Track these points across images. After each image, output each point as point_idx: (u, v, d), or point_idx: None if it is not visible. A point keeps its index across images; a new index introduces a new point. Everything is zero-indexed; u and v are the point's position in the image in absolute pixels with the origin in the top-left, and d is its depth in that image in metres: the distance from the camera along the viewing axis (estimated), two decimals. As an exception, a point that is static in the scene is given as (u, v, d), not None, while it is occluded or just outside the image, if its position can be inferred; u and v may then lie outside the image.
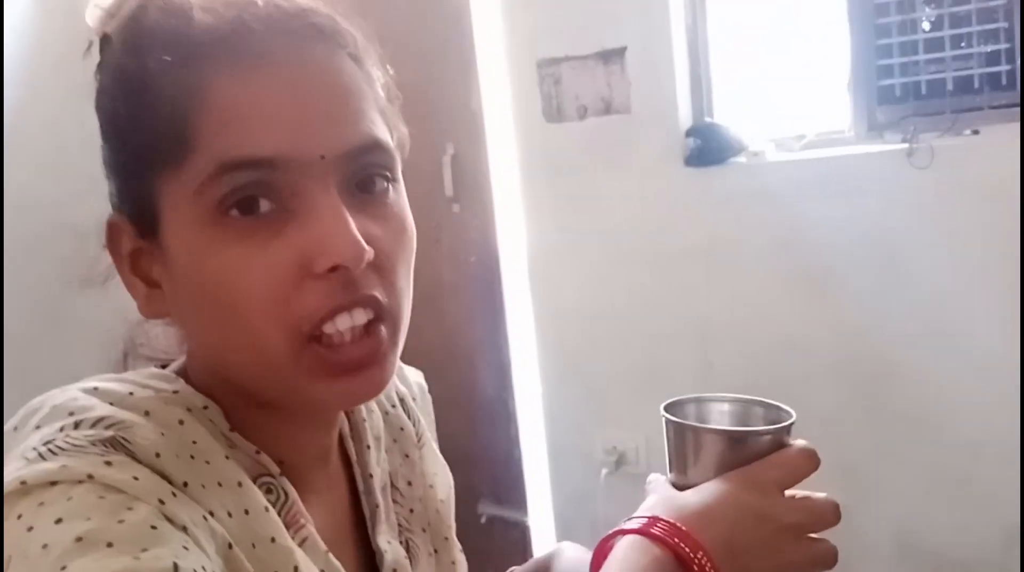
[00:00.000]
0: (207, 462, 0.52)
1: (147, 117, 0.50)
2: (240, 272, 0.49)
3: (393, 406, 0.72)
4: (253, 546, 0.51)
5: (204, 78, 0.49)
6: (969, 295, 1.80)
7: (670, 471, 0.62)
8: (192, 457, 0.51)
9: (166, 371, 0.58)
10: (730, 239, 2.04)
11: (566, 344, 2.27)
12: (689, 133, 2.07)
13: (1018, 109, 1.80)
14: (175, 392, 0.55)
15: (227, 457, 0.53)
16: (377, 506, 0.66)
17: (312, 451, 0.61)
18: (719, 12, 2.14)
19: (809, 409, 2.14)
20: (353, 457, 0.66)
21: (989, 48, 1.85)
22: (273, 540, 0.52)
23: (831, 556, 0.58)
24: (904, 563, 1.91)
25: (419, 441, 0.72)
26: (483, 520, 2.35)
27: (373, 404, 0.69)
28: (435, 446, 0.75)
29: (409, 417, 0.72)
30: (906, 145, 1.82)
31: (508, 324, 2.31)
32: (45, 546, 0.43)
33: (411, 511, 0.70)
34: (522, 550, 2.34)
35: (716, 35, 2.15)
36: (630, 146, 2.11)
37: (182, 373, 0.58)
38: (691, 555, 0.52)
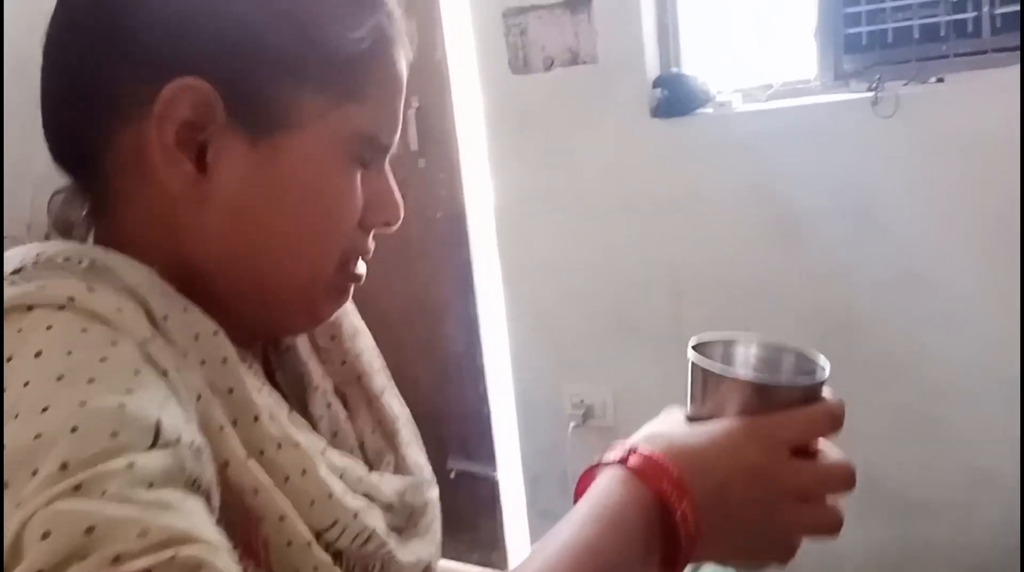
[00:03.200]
0: (183, 309, 0.50)
1: (333, 38, 0.53)
2: (346, 199, 0.55)
3: None
4: (230, 391, 0.50)
5: (385, 40, 0.56)
6: (936, 241, 1.82)
7: (688, 406, 0.57)
8: (167, 296, 0.50)
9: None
10: (698, 189, 2.03)
11: (534, 298, 2.26)
12: (656, 83, 2.04)
13: (984, 56, 1.80)
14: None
15: (187, 311, 0.51)
16: (302, 377, 0.64)
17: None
18: (686, -40, 2.11)
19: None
20: (276, 362, 0.66)
21: (956, -5, 1.85)
22: (245, 388, 0.51)
23: (835, 524, 0.54)
24: (871, 503, 1.94)
25: None
26: (452, 475, 2.36)
27: None
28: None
29: None
30: (871, 94, 1.82)
31: (476, 279, 2.30)
32: (26, 384, 0.41)
33: (342, 362, 0.68)
34: (491, 505, 2.35)
35: (683, -17, 2.12)
36: (597, 97, 2.08)
37: None
38: (675, 503, 0.48)
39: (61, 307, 0.44)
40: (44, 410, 0.39)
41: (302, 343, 0.66)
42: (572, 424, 2.22)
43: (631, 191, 2.09)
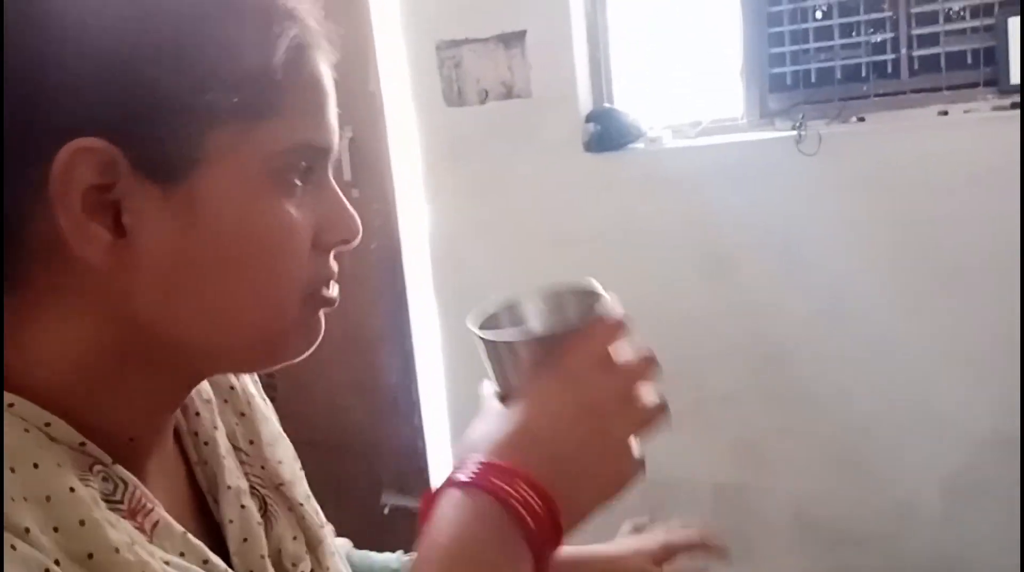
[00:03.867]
0: (17, 469, 0.45)
1: (231, 59, 0.47)
2: (288, 230, 0.50)
3: None
4: (91, 556, 0.45)
5: (300, 48, 0.50)
6: (860, 276, 1.87)
7: (495, 385, 0.57)
8: (7, 464, 0.45)
9: None
10: (630, 223, 2.06)
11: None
12: (589, 118, 2.08)
13: (903, 97, 1.88)
14: (11, 405, 0.47)
15: (36, 465, 0.46)
16: (215, 476, 0.60)
17: (162, 426, 0.56)
18: (618, -2, 2.15)
19: (710, 389, 2.20)
20: (184, 428, 0.61)
21: (877, 37, 1.92)
22: (117, 551, 0.46)
23: (660, 409, 0.55)
24: (803, 537, 1.98)
25: (248, 398, 0.66)
26: (386, 511, 2.33)
27: None
28: (264, 404, 0.68)
29: (235, 375, 0.66)
30: (795, 132, 1.87)
31: (411, 311, 2.28)
32: None
33: (262, 467, 0.64)
34: (427, 538, 2.32)
35: (615, 21, 2.16)
36: (531, 131, 2.10)
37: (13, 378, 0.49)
38: (510, 491, 0.48)
39: None
40: None
41: (221, 438, 0.61)
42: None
43: (564, 224, 2.11)
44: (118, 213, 0.46)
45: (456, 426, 2.32)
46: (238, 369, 0.60)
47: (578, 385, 0.53)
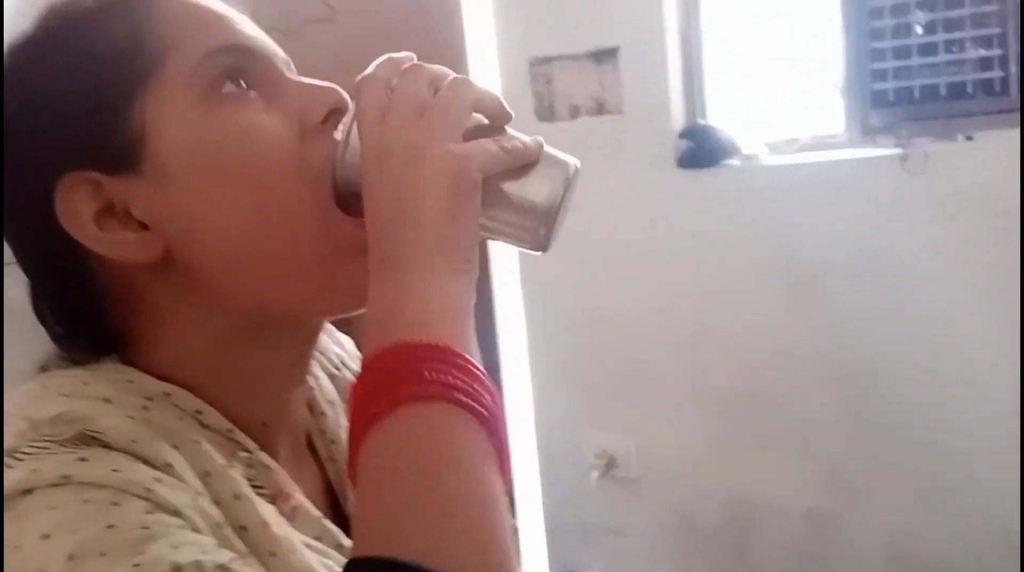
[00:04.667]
0: (181, 446, 0.49)
1: (103, 52, 0.50)
2: (255, 132, 0.50)
3: (337, 369, 0.70)
4: (244, 529, 0.49)
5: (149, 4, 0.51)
6: (962, 302, 1.79)
7: None
8: (168, 442, 0.49)
9: (110, 363, 0.54)
10: (722, 241, 2.02)
11: (557, 346, 2.25)
12: (682, 134, 2.05)
13: (1012, 115, 1.79)
14: (130, 381, 0.52)
15: (197, 442, 0.50)
16: (342, 472, 0.64)
17: (289, 409, 0.60)
18: (713, 13, 2.12)
19: (799, 415, 2.15)
20: (313, 426, 0.65)
21: (982, 53, 1.84)
22: (267, 526, 0.50)
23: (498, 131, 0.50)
24: (893, 570, 1.90)
25: None
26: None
27: (317, 370, 0.67)
28: None
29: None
30: (900, 150, 1.81)
31: (498, 326, 2.29)
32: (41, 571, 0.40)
33: None
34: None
35: (710, 36, 2.13)
36: (622, 147, 2.09)
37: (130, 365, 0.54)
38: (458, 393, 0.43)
39: (58, 484, 0.43)
40: None
41: (345, 437, 0.65)
42: (595, 474, 2.19)
43: (655, 242, 2.09)
44: (129, 214, 0.50)
45: (541, 441, 2.32)
46: (308, 310, 0.57)
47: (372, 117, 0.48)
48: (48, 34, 0.51)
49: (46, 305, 0.55)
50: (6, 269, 0.55)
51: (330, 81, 0.56)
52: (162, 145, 0.50)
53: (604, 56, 2.09)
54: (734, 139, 2.06)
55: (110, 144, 0.50)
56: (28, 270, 0.54)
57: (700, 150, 2.02)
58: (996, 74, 1.82)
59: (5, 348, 0.58)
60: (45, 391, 0.50)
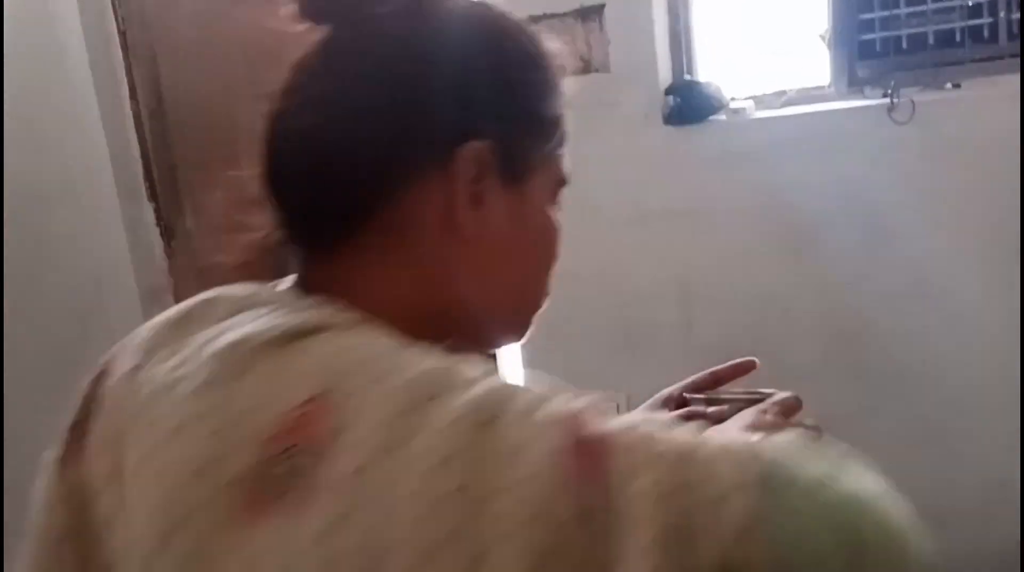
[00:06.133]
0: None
1: (552, 107, 0.64)
2: (557, 236, 0.65)
3: None
4: None
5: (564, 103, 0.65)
6: (949, 250, 1.80)
7: None
8: None
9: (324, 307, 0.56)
10: (710, 197, 2.02)
11: (545, 307, 2.25)
12: (669, 91, 2.04)
13: (1001, 62, 1.79)
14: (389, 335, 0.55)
15: None
16: None
17: None
18: (698, -34, 2.10)
19: (790, 366, 2.14)
20: None
21: (971, 1, 1.83)
22: None
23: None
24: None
25: None
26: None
27: None
28: None
29: None
30: (887, 100, 1.80)
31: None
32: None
33: None
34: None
35: (695, -10, 2.11)
36: (609, 105, 2.07)
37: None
38: None
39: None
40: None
41: None
42: (584, 432, 2.20)
43: (644, 199, 2.09)
44: (479, 199, 0.58)
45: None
46: (492, 344, 0.70)
47: None
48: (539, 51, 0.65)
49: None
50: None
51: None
52: (529, 194, 0.63)
53: (589, 14, 2.06)
54: (721, 94, 2.05)
55: (518, 155, 0.61)
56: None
57: (687, 106, 2.01)
58: (985, 20, 1.81)
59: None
60: (393, 357, 0.49)
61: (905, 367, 1.89)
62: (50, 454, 0.53)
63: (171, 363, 0.49)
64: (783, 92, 2.04)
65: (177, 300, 2.41)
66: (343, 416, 0.42)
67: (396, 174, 0.58)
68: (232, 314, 0.52)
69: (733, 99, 2.06)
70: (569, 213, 2.08)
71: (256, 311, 0.52)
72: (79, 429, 0.52)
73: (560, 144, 0.65)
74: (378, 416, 0.42)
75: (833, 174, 1.89)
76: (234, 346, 0.48)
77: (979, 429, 1.84)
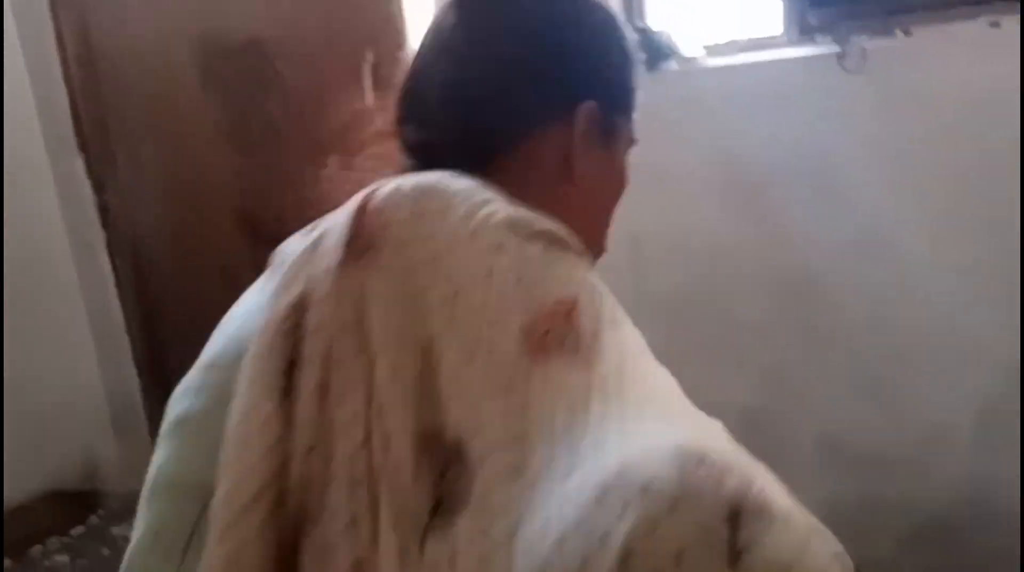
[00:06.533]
0: None
1: (634, 80, 0.77)
2: (625, 186, 0.79)
3: None
4: None
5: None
6: (899, 203, 1.79)
7: None
8: None
9: None
10: (662, 145, 1.98)
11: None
12: (620, 38, 1.99)
13: (952, 9, 1.77)
14: None
15: None
16: None
17: None
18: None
19: (739, 316, 2.15)
20: None
21: (923, -54, 1.80)
22: None
23: None
24: (829, 461, 1.94)
25: None
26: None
27: None
28: None
29: None
30: (837, 48, 1.78)
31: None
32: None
33: None
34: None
35: (646, -66, 2.05)
36: (559, 52, 2.02)
37: None
38: None
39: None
40: None
41: None
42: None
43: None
44: (586, 149, 0.70)
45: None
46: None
47: None
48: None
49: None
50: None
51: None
52: (614, 152, 0.76)
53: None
54: (673, 42, 2.00)
55: (612, 118, 0.73)
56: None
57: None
58: (937, -33, 1.79)
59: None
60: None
61: (852, 317, 1.89)
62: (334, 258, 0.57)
63: (453, 222, 0.57)
64: (735, 41, 2.01)
65: (112, 256, 2.34)
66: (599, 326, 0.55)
67: (525, 122, 0.69)
68: (476, 190, 0.61)
69: (685, 47, 2.02)
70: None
71: (495, 195, 0.61)
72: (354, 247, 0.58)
73: (631, 114, 0.77)
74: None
75: (784, 122, 1.87)
76: (515, 222, 0.58)
77: (923, 379, 1.86)
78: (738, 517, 0.40)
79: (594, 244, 0.74)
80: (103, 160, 2.69)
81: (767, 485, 0.44)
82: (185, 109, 2.48)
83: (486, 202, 0.59)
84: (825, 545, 0.43)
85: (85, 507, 2.76)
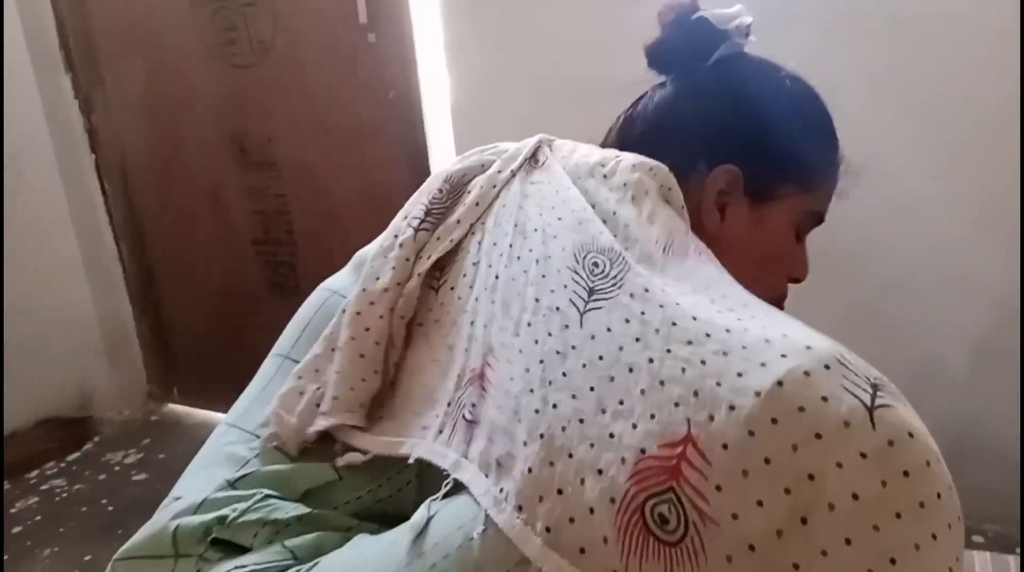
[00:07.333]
0: None
1: (821, 155, 0.80)
2: (789, 260, 0.80)
3: None
4: None
5: (838, 165, 0.83)
6: (887, 133, 1.74)
7: None
8: None
9: None
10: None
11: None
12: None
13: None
14: None
15: None
16: None
17: None
18: None
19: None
20: None
21: None
22: None
23: None
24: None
25: None
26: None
27: None
28: None
29: None
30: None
31: (431, 164, 2.20)
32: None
33: None
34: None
35: None
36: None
37: None
38: None
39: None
40: None
41: None
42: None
43: (595, 74, 1.98)
44: (725, 208, 0.73)
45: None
46: None
47: None
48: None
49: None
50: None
51: None
52: (769, 215, 0.75)
53: None
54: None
55: (767, 181, 0.75)
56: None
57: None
58: None
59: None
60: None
61: (845, 251, 1.86)
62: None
63: (578, 158, 0.71)
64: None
65: (101, 179, 2.30)
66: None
67: (688, 168, 0.72)
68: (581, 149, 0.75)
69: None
70: (516, 87, 1.97)
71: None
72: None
73: (812, 187, 0.77)
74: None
75: (784, 48, 1.80)
76: (639, 166, 0.66)
77: (917, 312, 1.84)
78: (879, 388, 0.48)
79: None
80: (91, 79, 2.63)
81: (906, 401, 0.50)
82: (172, 24, 2.41)
83: (619, 154, 0.69)
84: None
85: (80, 434, 2.76)
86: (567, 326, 0.53)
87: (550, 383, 0.51)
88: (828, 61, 1.76)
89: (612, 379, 0.49)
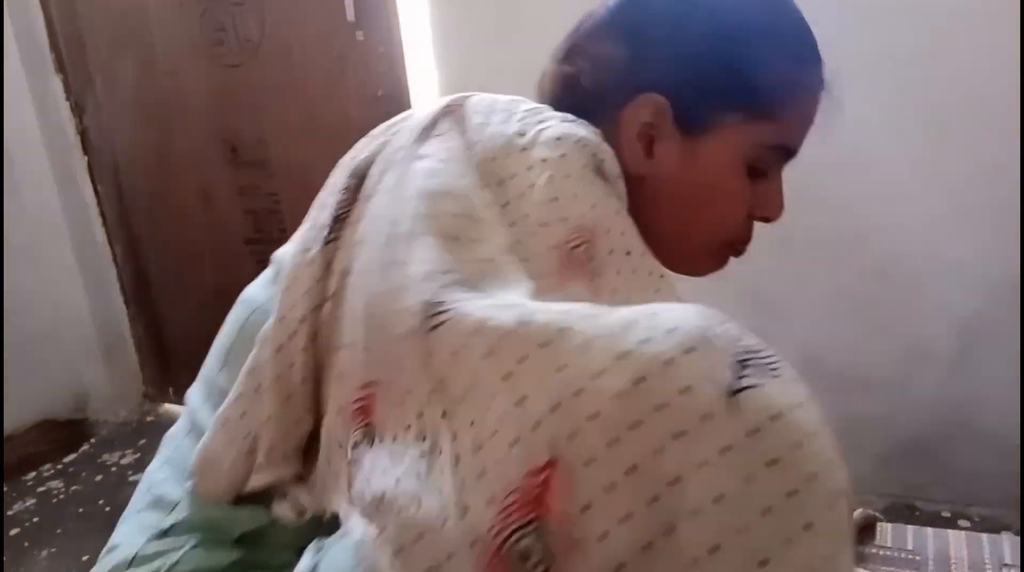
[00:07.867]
0: None
1: (779, 76, 0.67)
2: (736, 200, 0.70)
3: None
4: None
5: (815, 85, 0.70)
6: (881, 120, 1.75)
7: None
8: None
9: None
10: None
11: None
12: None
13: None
14: None
15: None
16: None
17: None
18: None
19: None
20: None
21: None
22: None
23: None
24: (808, 380, 1.94)
25: None
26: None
27: None
28: None
29: None
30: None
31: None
32: None
33: None
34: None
35: None
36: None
37: None
38: None
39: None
40: None
41: None
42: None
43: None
44: (652, 143, 0.67)
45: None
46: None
47: None
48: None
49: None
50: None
51: None
52: (704, 148, 0.67)
53: None
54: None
55: (696, 110, 0.66)
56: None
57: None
58: None
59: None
60: None
61: (834, 236, 1.87)
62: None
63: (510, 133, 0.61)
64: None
65: (93, 180, 2.30)
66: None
67: (605, 103, 0.67)
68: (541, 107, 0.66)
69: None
70: (506, 83, 1.98)
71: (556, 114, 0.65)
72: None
73: (770, 115, 0.67)
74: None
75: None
76: (564, 138, 0.60)
77: (905, 297, 1.85)
78: (746, 365, 0.42)
79: (671, 255, 0.67)
80: (81, 80, 2.63)
81: (785, 365, 0.45)
82: (161, 24, 2.42)
83: (544, 118, 0.62)
84: (818, 414, 0.45)
85: (76, 436, 2.77)
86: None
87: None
88: (819, 44, 1.78)
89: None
